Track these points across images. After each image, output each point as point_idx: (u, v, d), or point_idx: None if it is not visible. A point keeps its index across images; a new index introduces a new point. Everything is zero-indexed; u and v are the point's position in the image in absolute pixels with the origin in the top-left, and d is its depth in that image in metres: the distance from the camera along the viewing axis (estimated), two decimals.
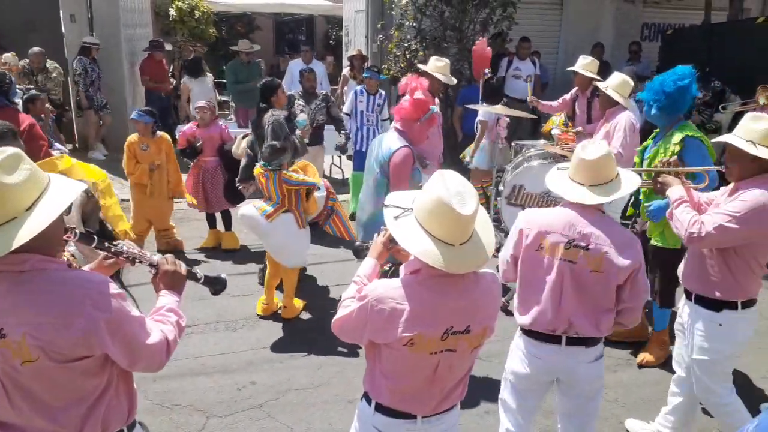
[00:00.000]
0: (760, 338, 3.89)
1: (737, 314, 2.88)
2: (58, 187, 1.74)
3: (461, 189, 1.85)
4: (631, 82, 5.09)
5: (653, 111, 3.82)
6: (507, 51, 9.06)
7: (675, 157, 3.31)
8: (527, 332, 2.64)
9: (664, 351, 4.21)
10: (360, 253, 2.41)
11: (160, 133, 5.84)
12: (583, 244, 2.44)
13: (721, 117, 7.25)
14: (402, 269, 2.05)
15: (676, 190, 2.96)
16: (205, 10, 12.66)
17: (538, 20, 10.36)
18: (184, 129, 6.31)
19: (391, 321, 1.91)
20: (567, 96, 6.34)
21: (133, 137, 5.79)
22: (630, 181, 2.56)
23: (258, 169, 4.67)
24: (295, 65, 9.19)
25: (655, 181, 3.14)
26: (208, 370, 4.04)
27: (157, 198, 5.86)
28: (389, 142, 3.69)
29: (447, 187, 1.85)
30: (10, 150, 1.65)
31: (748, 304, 2.89)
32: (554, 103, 6.41)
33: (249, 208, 4.61)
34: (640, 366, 4.21)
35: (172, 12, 12.14)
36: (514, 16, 8.28)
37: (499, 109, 6.12)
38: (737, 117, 6.95)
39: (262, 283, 5.16)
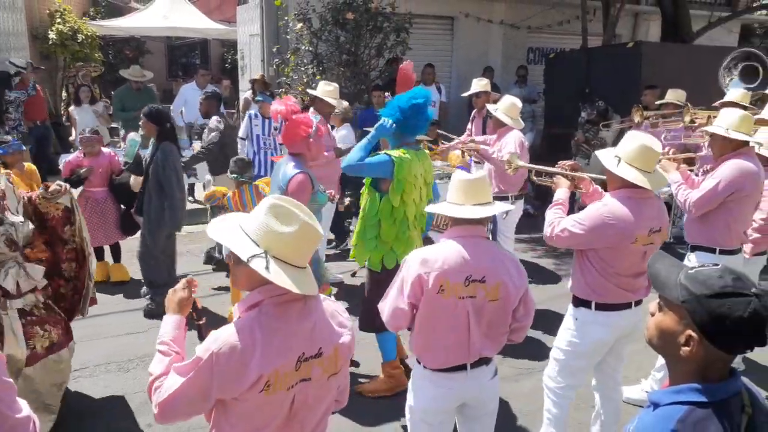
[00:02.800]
0: None
1: (591, 314, 3.09)
2: None
3: (291, 210, 1.82)
4: (519, 104, 5.40)
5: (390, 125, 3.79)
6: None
7: (573, 162, 3.53)
8: (435, 369, 2.56)
9: (397, 383, 4.05)
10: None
11: (26, 164, 5.44)
12: (478, 277, 2.43)
13: (606, 134, 7.77)
14: (235, 310, 1.88)
15: (559, 192, 3.28)
16: (89, 33, 12.04)
17: (430, 45, 10.70)
18: (69, 158, 5.93)
19: (242, 366, 1.73)
20: (470, 127, 6.65)
21: None
22: (500, 205, 2.66)
23: (221, 188, 5.05)
24: (187, 89, 8.92)
25: (552, 181, 3.48)
26: (98, 414, 3.77)
27: None
28: (285, 169, 3.67)
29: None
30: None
31: (604, 307, 3.06)
32: (463, 138, 6.63)
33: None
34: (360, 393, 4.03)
35: (52, 35, 11.44)
36: (407, 41, 8.49)
37: None
38: (620, 134, 7.52)
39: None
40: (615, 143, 7.20)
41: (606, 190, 3.38)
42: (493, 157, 5.22)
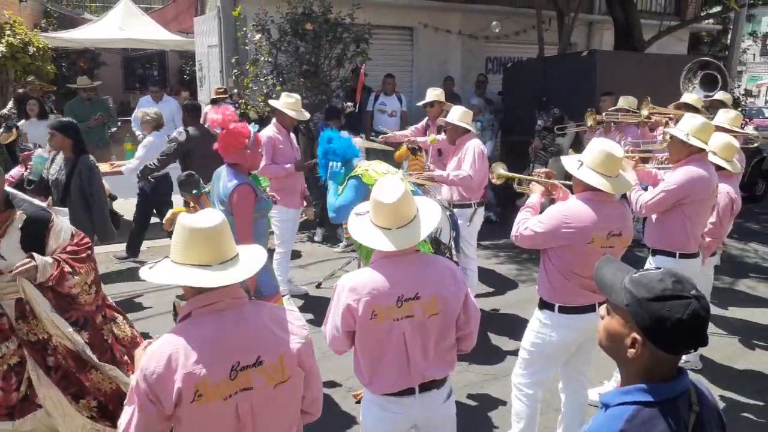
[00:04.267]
0: None
1: (555, 317, 3.16)
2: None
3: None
4: (470, 111, 5.46)
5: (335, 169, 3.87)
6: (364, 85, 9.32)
7: (548, 170, 3.62)
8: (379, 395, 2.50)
9: None
10: None
11: None
12: (411, 295, 2.34)
13: (562, 140, 7.93)
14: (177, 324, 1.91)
15: (532, 197, 3.38)
16: (40, 46, 11.72)
17: (391, 56, 10.76)
18: (10, 173, 5.59)
19: (168, 377, 1.74)
20: (418, 125, 6.65)
21: None
22: (431, 214, 2.47)
23: (178, 209, 5.04)
24: (145, 102, 8.77)
25: (527, 188, 3.58)
26: None
27: None
28: (225, 180, 3.63)
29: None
30: None
31: (567, 310, 3.12)
32: (407, 132, 6.68)
33: None
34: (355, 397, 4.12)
35: (2, 48, 11.10)
36: (368, 51, 8.53)
37: (358, 141, 6.27)
38: (575, 140, 7.71)
39: None
40: (571, 149, 7.41)
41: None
42: (450, 179, 5.19)
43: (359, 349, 2.43)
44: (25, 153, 5.64)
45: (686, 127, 3.80)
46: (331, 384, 4.26)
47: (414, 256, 2.43)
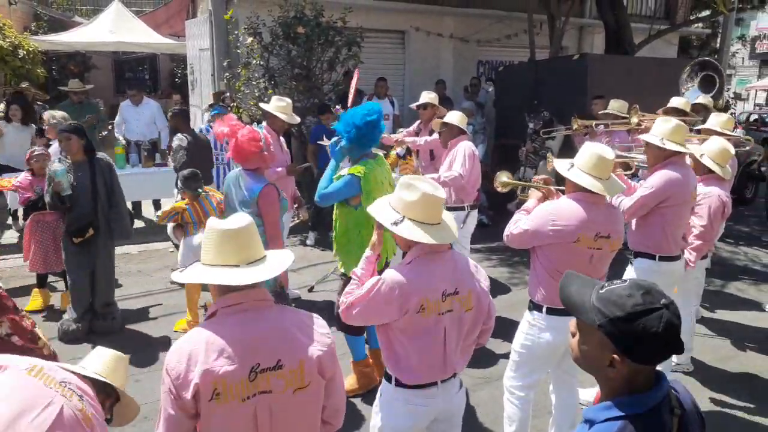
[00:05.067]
0: None
1: (543, 318, 3.17)
2: None
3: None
4: (466, 116, 5.49)
5: (343, 142, 3.87)
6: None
7: (546, 176, 3.61)
8: (407, 386, 2.49)
9: (368, 381, 4.25)
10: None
11: None
12: (451, 290, 2.43)
13: (552, 143, 7.97)
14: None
15: (529, 202, 3.40)
16: (30, 49, 11.66)
17: (383, 59, 10.78)
18: (18, 181, 5.60)
19: (187, 374, 1.78)
20: (411, 128, 6.66)
21: None
22: (449, 217, 2.53)
23: (179, 204, 5.16)
24: (126, 106, 8.75)
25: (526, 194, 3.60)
26: None
27: None
28: (248, 184, 3.78)
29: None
30: None
31: (555, 311, 3.11)
32: (399, 135, 6.67)
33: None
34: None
35: None
36: (359, 55, 8.54)
37: None
38: (565, 143, 7.74)
39: None
40: (561, 152, 7.44)
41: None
42: (441, 180, 5.14)
43: (397, 342, 2.45)
44: (30, 154, 5.57)
45: (660, 131, 3.83)
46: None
47: (448, 253, 2.51)
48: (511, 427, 3.38)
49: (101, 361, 2.17)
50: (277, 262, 2.02)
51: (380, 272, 3.80)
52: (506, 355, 4.77)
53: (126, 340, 4.89)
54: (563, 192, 3.32)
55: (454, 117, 5.33)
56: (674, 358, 4.66)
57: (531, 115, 8.27)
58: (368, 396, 4.18)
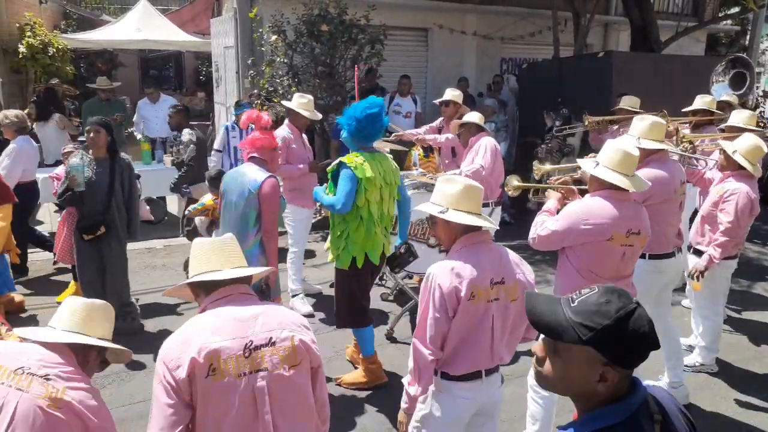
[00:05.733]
0: None
1: None
2: None
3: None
4: (481, 115, 5.57)
5: (344, 134, 4.06)
6: (377, 85, 9.34)
7: (566, 177, 3.63)
8: (453, 377, 2.54)
9: (376, 376, 4.29)
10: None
11: None
12: (498, 279, 2.48)
13: (573, 140, 7.94)
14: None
15: (548, 203, 3.38)
16: (60, 47, 11.89)
17: (405, 56, 10.77)
18: (55, 172, 5.81)
19: (185, 348, 1.87)
20: (433, 124, 6.66)
21: None
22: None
23: (209, 202, 5.30)
24: (143, 104, 8.90)
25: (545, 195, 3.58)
26: None
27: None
28: (252, 175, 3.74)
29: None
30: None
31: None
32: (420, 131, 6.68)
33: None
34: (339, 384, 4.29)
35: (22, 48, 11.28)
36: (382, 53, 8.55)
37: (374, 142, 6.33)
38: (585, 140, 7.70)
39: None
40: (581, 149, 7.41)
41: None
42: (463, 175, 5.20)
43: (454, 331, 2.47)
44: (64, 149, 5.67)
45: (636, 131, 3.79)
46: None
47: (495, 245, 2.60)
48: (534, 426, 3.37)
49: (71, 314, 2.15)
50: (258, 269, 2.28)
51: (339, 271, 4.07)
52: (528, 353, 4.78)
53: (147, 336, 4.99)
54: (583, 192, 3.31)
55: (472, 116, 5.38)
56: (698, 359, 4.60)
57: (550, 112, 8.24)
58: (375, 394, 4.22)
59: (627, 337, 1.32)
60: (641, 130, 3.76)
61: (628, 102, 6.76)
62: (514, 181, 3.95)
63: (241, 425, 1.87)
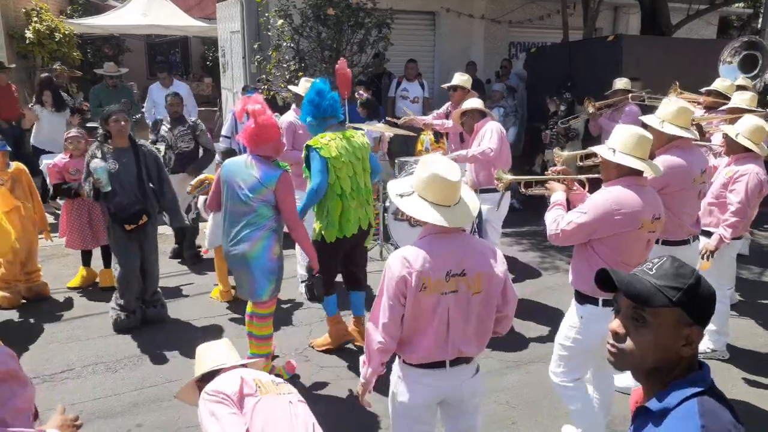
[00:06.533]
0: None
1: (598, 311, 3.05)
2: None
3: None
4: (480, 100, 5.56)
5: (308, 119, 4.32)
6: (385, 70, 9.28)
7: (564, 167, 3.51)
8: (412, 365, 2.54)
9: (339, 335, 4.59)
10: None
11: (13, 163, 5.36)
12: (458, 271, 2.42)
13: (578, 125, 7.92)
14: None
15: (556, 195, 3.27)
16: (66, 32, 11.86)
17: (413, 40, 10.68)
18: (53, 161, 5.76)
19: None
20: (440, 110, 6.62)
21: None
22: (471, 197, 2.58)
23: (210, 175, 5.21)
24: (155, 89, 8.86)
25: (545, 187, 3.43)
26: (87, 417, 3.70)
27: (27, 234, 5.31)
28: (263, 170, 3.75)
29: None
30: None
31: (611, 303, 3.00)
32: (428, 118, 6.64)
33: None
34: (312, 346, 4.64)
35: (29, 34, 11.26)
36: (389, 36, 8.48)
37: (381, 127, 6.31)
38: (587, 123, 7.76)
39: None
40: (586, 132, 7.48)
41: (587, 190, 3.39)
42: (470, 156, 5.20)
43: (407, 319, 2.47)
44: (67, 135, 5.67)
45: (662, 114, 3.69)
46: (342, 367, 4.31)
47: (460, 235, 2.51)
48: (575, 414, 3.32)
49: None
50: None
51: (317, 243, 4.25)
52: (537, 339, 4.80)
53: (170, 324, 5.04)
54: (581, 183, 3.27)
55: (471, 103, 5.34)
56: (710, 345, 4.59)
57: (553, 98, 8.20)
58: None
59: (705, 295, 1.41)
60: (667, 114, 3.68)
61: (620, 84, 6.89)
62: (505, 175, 3.83)
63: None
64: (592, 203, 2.98)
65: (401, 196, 2.50)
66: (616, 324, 1.47)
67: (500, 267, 2.51)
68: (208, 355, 2.60)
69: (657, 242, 3.75)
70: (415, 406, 2.57)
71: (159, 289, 5.13)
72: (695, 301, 1.39)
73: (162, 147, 6.08)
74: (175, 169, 6.15)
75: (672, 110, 3.68)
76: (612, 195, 2.96)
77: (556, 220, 3.08)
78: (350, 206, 4.22)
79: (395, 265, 2.43)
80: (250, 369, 2.52)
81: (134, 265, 4.84)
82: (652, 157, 3.26)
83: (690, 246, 3.98)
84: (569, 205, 3.28)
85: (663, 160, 3.65)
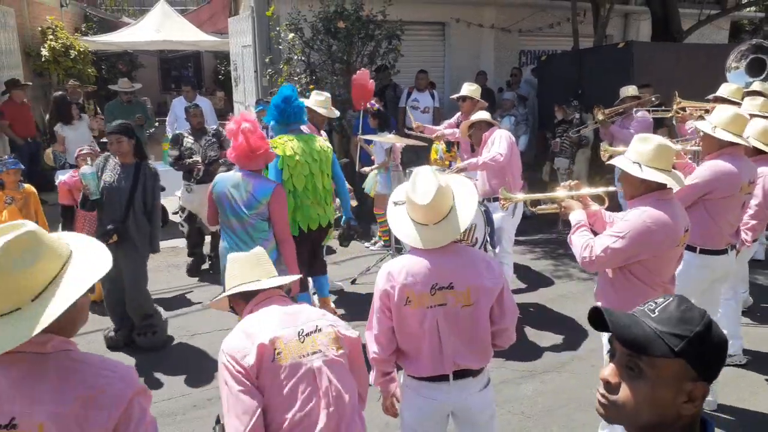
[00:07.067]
0: None
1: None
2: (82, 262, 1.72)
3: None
4: (487, 112, 5.57)
5: (272, 123, 4.63)
6: (390, 82, 9.31)
7: (577, 181, 3.38)
8: (415, 377, 2.52)
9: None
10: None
11: (25, 185, 5.39)
12: (444, 284, 2.36)
13: (588, 133, 7.90)
14: None
15: (575, 215, 3.10)
16: (81, 49, 12.05)
17: (422, 51, 10.73)
18: (64, 178, 5.78)
19: (249, 341, 2.19)
20: (451, 120, 6.64)
21: None
22: (468, 203, 2.49)
23: None
24: (178, 103, 8.95)
25: (559, 205, 3.25)
26: None
27: None
28: (257, 186, 3.90)
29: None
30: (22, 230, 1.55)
31: None
32: (439, 128, 6.66)
33: None
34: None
35: (45, 52, 11.46)
36: (399, 48, 8.52)
37: (392, 138, 6.34)
38: (596, 131, 7.76)
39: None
40: (596, 139, 7.48)
41: (602, 205, 3.29)
42: (481, 163, 5.20)
43: (398, 333, 2.49)
44: (78, 153, 5.69)
45: (715, 119, 3.66)
46: None
47: (451, 247, 2.45)
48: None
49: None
50: (289, 278, 2.56)
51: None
52: (551, 349, 4.76)
53: (181, 337, 5.04)
54: (596, 197, 3.20)
55: (478, 115, 5.39)
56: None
57: (562, 106, 8.19)
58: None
59: (715, 344, 1.20)
60: (720, 120, 3.62)
61: (630, 92, 6.93)
62: (513, 195, 3.73)
63: (305, 401, 2.14)
64: (629, 227, 2.79)
65: (395, 204, 2.55)
66: (608, 371, 1.26)
67: (494, 279, 2.43)
68: (240, 268, 2.43)
69: (695, 251, 3.72)
70: (420, 419, 2.55)
71: (155, 312, 4.90)
72: (702, 353, 1.18)
73: (198, 158, 6.07)
74: (204, 179, 6.00)
75: (726, 116, 3.63)
76: (647, 215, 2.77)
77: (588, 245, 2.89)
78: (304, 203, 4.50)
79: (380, 278, 2.47)
80: (278, 311, 2.28)
81: (113, 286, 4.67)
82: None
83: (727, 255, 3.87)
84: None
85: (713, 165, 3.61)
